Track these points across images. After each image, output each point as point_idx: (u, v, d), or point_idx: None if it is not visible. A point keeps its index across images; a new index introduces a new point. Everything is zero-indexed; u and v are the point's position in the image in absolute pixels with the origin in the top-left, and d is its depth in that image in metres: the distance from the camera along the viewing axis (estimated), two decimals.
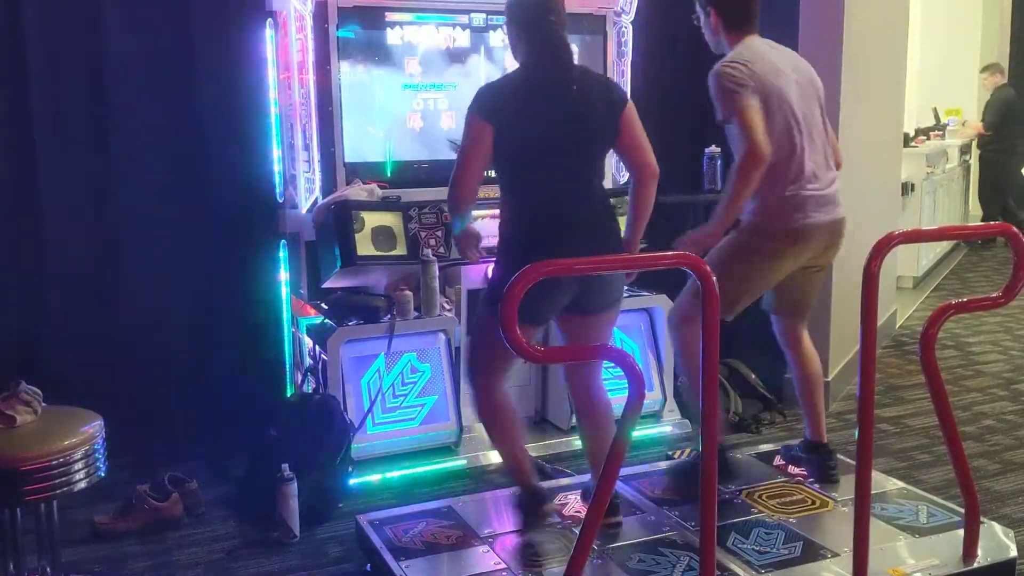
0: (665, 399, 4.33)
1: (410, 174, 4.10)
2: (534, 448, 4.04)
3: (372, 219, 3.84)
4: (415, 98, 4.11)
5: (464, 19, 4.15)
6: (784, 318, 3.47)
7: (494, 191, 3.14)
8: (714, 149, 4.52)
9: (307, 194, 3.98)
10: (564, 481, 3.53)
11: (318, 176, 3.90)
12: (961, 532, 2.88)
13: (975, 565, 2.80)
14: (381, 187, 3.99)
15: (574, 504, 3.24)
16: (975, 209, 10.17)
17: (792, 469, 3.53)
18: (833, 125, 3.59)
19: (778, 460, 3.63)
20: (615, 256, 2.88)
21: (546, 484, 3.50)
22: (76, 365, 4.10)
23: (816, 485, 3.38)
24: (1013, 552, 2.89)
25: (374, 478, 3.76)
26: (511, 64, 3.19)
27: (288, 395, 4.13)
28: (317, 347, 3.89)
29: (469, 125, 2.85)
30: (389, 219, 3.88)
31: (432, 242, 3.87)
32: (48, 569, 2.84)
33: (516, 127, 2.82)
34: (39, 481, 2.56)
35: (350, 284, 4.01)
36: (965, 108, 10.22)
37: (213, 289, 4.33)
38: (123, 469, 3.68)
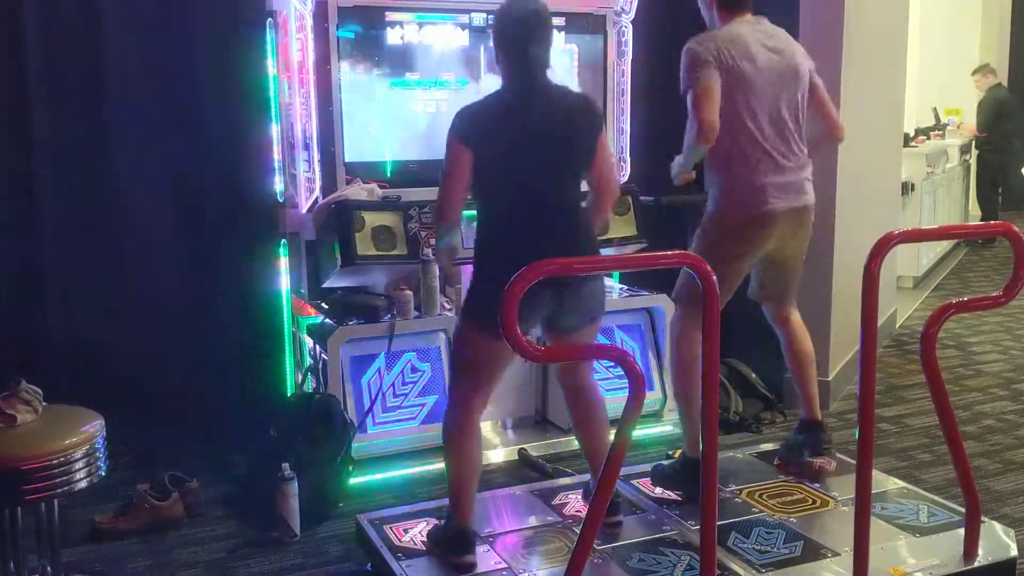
0: (665, 399, 4.33)
1: (410, 174, 4.10)
2: (535, 448, 4.05)
3: (372, 219, 3.85)
4: (415, 98, 4.11)
5: (464, 19, 4.15)
6: (770, 305, 3.52)
7: None
8: None
9: (307, 194, 3.98)
10: (564, 481, 3.53)
11: (318, 176, 3.90)
12: (961, 531, 2.88)
13: (975, 564, 2.80)
14: (381, 187, 3.99)
15: (575, 504, 3.24)
16: (975, 209, 10.18)
17: (785, 470, 3.53)
18: None
19: (777, 461, 3.63)
20: (615, 256, 2.88)
21: (546, 484, 3.51)
22: (76, 365, 4.10)
23: (816, 485, 3.38)
24: (1014, 552, 2.88)
25: (374, 478, 3.76)
26: None
27: (288, 395, 4.13)
28: (317, 347, 3.89)
29: (448, 149, 2.84)
30: (389, 219, 3.88)
31: (432, 242, 3.86)
32: (48, 569, 2.84)
33: (491, 151, 2.79)
34: (39, 480, 2.56)
35: (350, 284, 4.01)
36: (965, 108, 10.22)
37: (213, 289, 4.33)
38: (123, 469, 3.69)
